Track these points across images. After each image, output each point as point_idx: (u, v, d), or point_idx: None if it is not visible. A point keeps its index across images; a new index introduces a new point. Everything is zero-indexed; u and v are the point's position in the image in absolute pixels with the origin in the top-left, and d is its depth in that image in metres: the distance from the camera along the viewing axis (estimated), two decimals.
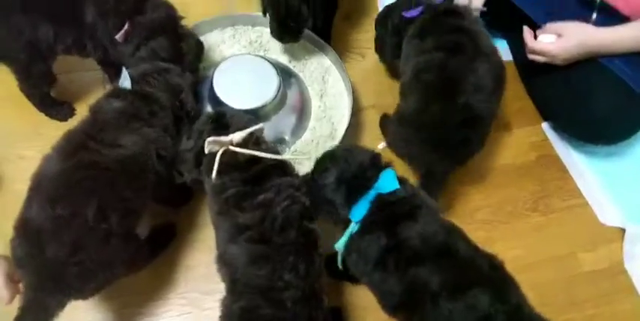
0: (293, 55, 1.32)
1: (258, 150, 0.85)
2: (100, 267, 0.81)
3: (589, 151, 1.26)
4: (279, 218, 0.80)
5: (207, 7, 1.42)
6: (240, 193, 0.83)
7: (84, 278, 0.80)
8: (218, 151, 0.85)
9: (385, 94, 1.33)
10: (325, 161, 0.88)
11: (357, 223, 0.83)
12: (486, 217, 1.19)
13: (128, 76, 0.94)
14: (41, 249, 0.77)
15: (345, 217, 0.84)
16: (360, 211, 0.84)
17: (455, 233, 0.83)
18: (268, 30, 1.34)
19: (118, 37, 1.03)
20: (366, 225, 0.83)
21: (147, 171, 0.89)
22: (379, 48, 1.25)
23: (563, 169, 1.27)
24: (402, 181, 0.86)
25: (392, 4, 1.19)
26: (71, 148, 0.84)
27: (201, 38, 1.30)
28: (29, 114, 1.22)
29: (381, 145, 1.23)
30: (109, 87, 1.26)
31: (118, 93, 0.94)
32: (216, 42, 1.33)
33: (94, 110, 0.91)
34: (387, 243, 0.80)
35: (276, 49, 1.33)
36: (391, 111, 1.27)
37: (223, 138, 0.85)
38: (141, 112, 0.91)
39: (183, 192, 1.11)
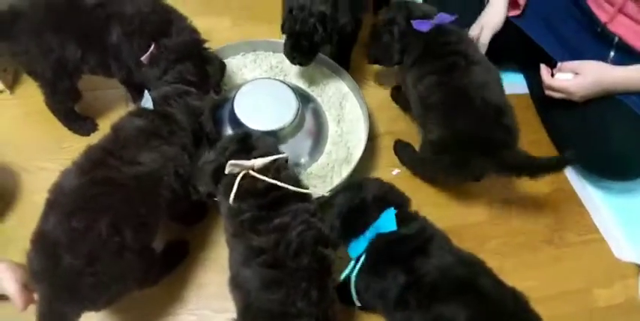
0: (312, 81, 1.35)
1: (278, 178, 0.86)
2: (114, 280, 0.82)
3: (605, 186, 1.25)
4: (294, 243, 0.80)
5: (230, 33, 1.47)
6: (256, 217, 0.84)
7: (98, 290, 0.81)
8: (238, 174, 0.86)
9: (400, 122, 1.35)
10: (341, 190, 0.94)
11: (355, 258, 0.86)
12: (498, 248, 1.18)
13: (150, 98, 0.97)
14: (57, 261, 0.78)
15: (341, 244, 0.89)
16: (357, 247, 0.87)
17: (476, 266, 0.83)
18: None
19: (144, 58, 1.06)
20: (374, 264, 0.84)
21: (163, 188, 0.90)
22: (382, 54, 1.20)
23: (578, 203, 1.26)
24: (410, 217, 0.87)
25: (396, 7, 1.17)
26: (89, 164, 0.86)
27: (225, 61, 1.34)
28: (53, 128, 1.26)
29: (394, 172, 1.25)
30: (131, 105, 1.30)
31: (139, 112, 0.96)
32: (238, 66, 1.37)
33: (116, 128, 0.94)
34: (406, 280, 0.80)
35: (296, 75, 1.37)
36: (406, 138, 1.31)
37: (245, 162, 0.86)
38: (161, 130, 0.93)
39: (197, 210, 1.12)
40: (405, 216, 0.87)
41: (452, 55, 1.07)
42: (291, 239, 0.80)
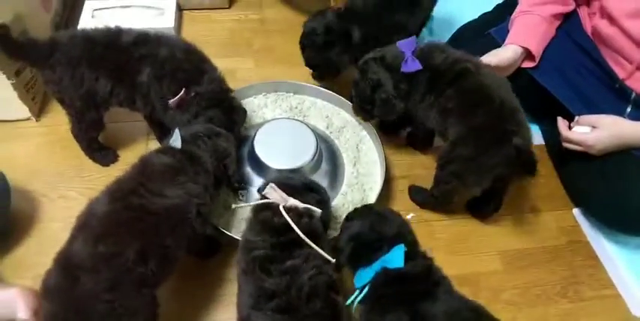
0: (330, 123, 1.38)
1: (298, 222, 0.87)
2: (127, 312, 0.81)
3: (621, 241, 1.24)
4: (306, 287, 0.80)
5: (252, 74, 1.52)
6: (269, 255, 0.84)
7: (106, 317, 0.79)
8: (267, 198, 0.89)
9: (416, 167, 1.36)
10: (356, 212, 0.96)
11: (360, 288, 0.85)
12: (512, 299, 1.16)
13: (179, 137, 0.98)
14: (75, 282, 0.78)
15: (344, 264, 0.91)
16: (363, 278, 0.86)
17: (479, 309, 0.83)
18: (309, 97, 1.43)
19: (172, 102, 1.09)
20: (377, 298, 0.84)
21: (186, 224, 0.91)
22: (388, 112, 1.18)
23: (594, 257, 1.24)
24: (418, 255, 0.88)
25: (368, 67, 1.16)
26: (121, 192, 0.87)
27: (246, 101, 1.40)
28: (74, 157, 1.29)
29: (409, 216, 1.25)
30: (152, 138, 1.33)
31: (167, 150, 0.97)
32: (260, 105, 1.41)
33: (144, 161, 0.95)
34: None
35: (314, 116, 1.40)
36: (421, 183, 1.32)
37: (282, 194, 0.89)
38: (187, 169, 0.94)
39: (211, 244, 1.13)
40: (414, 255, 0.87)
41: (457, 63, 1.09)
42: (303, 283, 0.80)
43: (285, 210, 0.88)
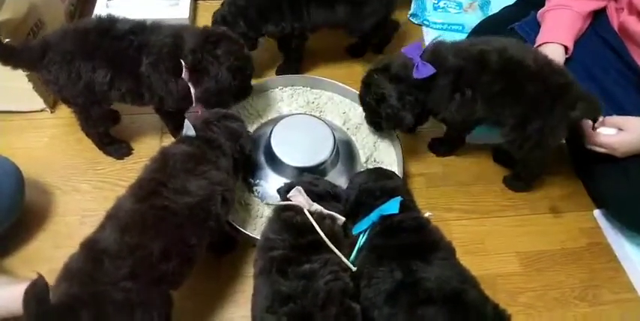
0: (347, 119, 1.36)
1: (321, 224, 0.87)
2: (142, 304, 0.80)
3: None
4: (322, 292, 0.78)
5: (268, 67, 1.50)
6: (287, 257, 0.83)
7: (121, 308, 0.78)
8: (291, 200, 0.89)
9: (435, 164, 1.35)
10: (368, 169, 1.08)
11: (362, 235, 0.90)
12: (530, 302, 1.14)
13: (190, 126, 0.98)
14: (97, 266, 0.78)
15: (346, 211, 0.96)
16: (361, 225, 0.91)
17: (470, 281, 0.84)
18: (325, 92, 1.41)
19: (184, 75, 1.07)
20: (373, 249, 0.88)
21: (210, 218, 0.90)
22: (396, 125, 1.18)
23: (614, 260, 1.22)
24: (413, 211, 0.93)
25: (373, 73, 1.14)
26: (144, 193, 0.87)
27: (261, 95, 1.38)
28: (89, 149, 1.28)
29: (427, 214, 1.23)
30: (165, 130, 1.32)
31: (184, 139, 0.98)
32: (276, 99, 1.39)
33: (164, 153, 0.95)
34: (403, 278, 0.81)
35: (331, 111, 1.38)
36: (438, 180, 1.32)
37: (305, 198, 0.89)
38: (208, 155, 0.95)
39: (229, 240, 1.12)
40: (409, 210, 0.92)
41: (475, 50, 1.08)
42: (319, 288, 0.79)
43: (309, 213, 0.87)
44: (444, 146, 1.36)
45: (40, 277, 0.75)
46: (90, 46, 1.05)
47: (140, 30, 1.08)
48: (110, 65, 1.06)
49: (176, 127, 1.24)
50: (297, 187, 0.90)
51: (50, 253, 1.09)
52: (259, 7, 1.28)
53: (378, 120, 1.17)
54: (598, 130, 1.11)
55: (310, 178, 0.99)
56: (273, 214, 0.93)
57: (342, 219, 0.91)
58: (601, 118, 1.11)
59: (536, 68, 1.06)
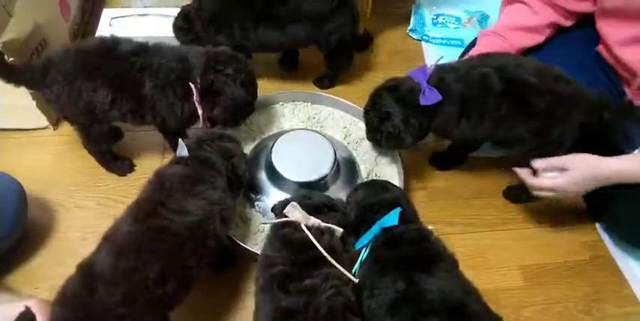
0: (348, 134, 1.37)
1: (319, 239, 0.86)
2: None
3: None
4: (324, 307, 0.78)
5: (269, 85, 1.51)
6: (287, 273, 0.83)
7: None
8: (287, 217, 0.88)
9: (436, 178, 1.35)
10: (362, 184, 1.06)
11: (364, 250, 0.90)
12: (534, 316, 1.13)
13: (184, 146, 0.98)
14: (91, 291, 0.78)
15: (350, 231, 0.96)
16: (363, 240, 0.91)
17: (472, 294, 0.84)
18: (326, 108, 1.42)
19: (196, 99, 1.09)
20: (375, 261, 0.88)
21: (209, 237, 0.90)
22: (397, 144, 1.15)
23: (618, 273, 1.21)
24: (413, 222, 0.94)
25: (382, 91, 1.13)
26: (142, 213, 0.87)
27: (265, 110, 1.39)
28: (91, 166, 1.28)
29: (429, 227, 1.23)
30: (167, 148, 1.32)
31: (178, 160, 0.98)
32: (277, 115, 1.40)
33: (159, 175, 0.94)
34: (406, 289, 0.81)
35: (332, 127, 1.38)
36: (440, 194, 1.32)
37: (302, 213, 0.88)
38: (203, 174, 0.94)
39: (227, 256, 1.12)
40: (409, 221, 0.93)
41: (476, 73, 1.08)
42: (321, 303, 0.78)
43: (306, 228, 0.87)
44: (446, 161, 1.36)
45: (27, 310, 0.76)
46: (91, 67, 1.06)
47: (142, 51, 1.09)
48: (111, 86, 1.06)
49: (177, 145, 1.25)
50: (292, 202, 0.90)
51: (52, 269, 1.10)
52: (214, 17, 1.30)
53: (379, 138, 1.17)
54: (542, 175, 1.07)
55: (304, 192, 0.99)
56: (271, 231, 0.92)
57: (339, 230, 0.90)
58: (541, 162, 1.07)
59: (539, 81, 1.06)
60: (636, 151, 1.05)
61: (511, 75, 1.07)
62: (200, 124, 1.15)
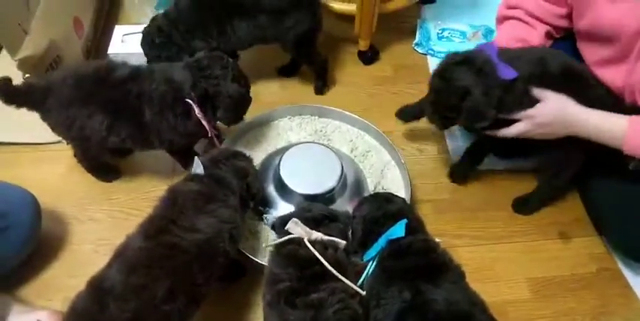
0: (355, 147, 1.39)
1: (324, 254, 0.87)
2: None
3: None
4: None
5: (277, 97, 1.54)
6: (294, 288, 0.84)
7: None
8: (291, 234, 0.89)
9: (442, 191, 1.36)
10: (366, 199, 1.04)
11: (371, 262, 0.90)
12: None
13: (200, 164, 1.00)
14: (102, 308, 0.79)
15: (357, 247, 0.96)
16: (370, 253, 0.92)
17: (478, 305, 0.84)
18: (333, 121, 1.44)
19: (198, 113, 1.10)
20: (382, 271, 0.88)
21: (218, 255, 0.91)
22: (474, 117, 1.07)
23: (625, 285, 1.21)
24: (420, 233, 0.93)
25: (453, 66, 1.07)
26: (154, 230, 0.88)
27: (270, 124, 1.42)
28: None
29: (436, 240, 1.24)
30: (178, 168, 1.33)
31: (193, 178, 0.99)
32: (284, 129, 1.42)
33: (173, 192, 0.96)
34: (412, 299, 0.81)
35: (339, 140, 1.40)
36: (447, 206, 1.33)
37: (305, 228, 0.89)
38: (216, 193, 0.96)
39: (236, 269, 1.13)
40: (416, 232, 0.93)
41: (538, 61, 1.07)
42: (328, 317, 0.79)
43: (310, 243, 0.88)
44: (467, 167, 1.35)
45: None
46: (86, 93, 1.07)
47: (136, 76, 1.10)
48: (107, 112, 1.08)
49: (187, 163, 1.26)
50: (293, 219, 0.90)
51: (65, 282, 1.11)
52: (187, 23, 1.32)
53: (453, 115, 1.09)
54: None
55: (303, 204, 1.01)
56: (275, 249, 0.93)
57: (342, 243, 0.91)
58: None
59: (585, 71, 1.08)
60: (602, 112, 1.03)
61: (563, 61, 1.07)
62: (209, 134, 1.17)
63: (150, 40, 1.34)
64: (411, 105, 1.36)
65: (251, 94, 1.24)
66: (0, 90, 1.05)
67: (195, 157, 1.02)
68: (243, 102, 1.19)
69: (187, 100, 1.09)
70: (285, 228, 0.90)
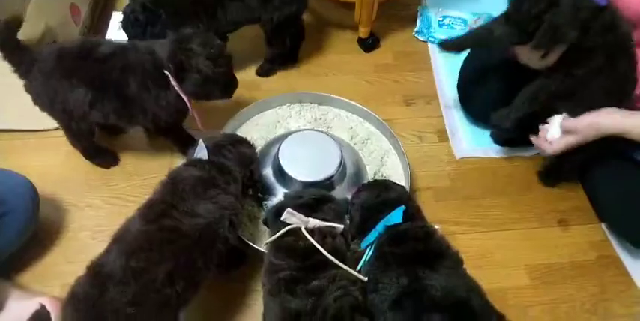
0: (355, 134, 1.38)
1: (325, 242, 0.87)
2: None
3: None
4: (332, 309, 0.79)
5: (276, 84, 1.53)
6: (294, 276, 0.83)
7: None
8: (288, 225, 0.88)
9: (442, 178, 1.36)
10: (365, 186, 1.05)
11: (369, 248, 0.91)
12: (540, 315, 1.13)
13: (204, 147, 0.99)
14: (102, 292, 0.79)
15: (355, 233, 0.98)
16: (368, 239, 0.92)
17: (475, 291, 0.84)
18: (333, 109, 1.43)
19: (175, 84, 1.09)
20: (380, 256, 0.88)
21: (218, 241, 0.91)
22: (552, 34, 0.97)
23: (624, 273, 1.21)
24: (418, 219, 0.94)
25: None
26: (153, 215, 0.88)
27: (270, 111, 1.41)
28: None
29: (435, 226, 1.24)
30: (176, 152, 1.33)
31: (195, 163, 0.98)
32: (283, 116, 1.41)
33: (173, 177, 0.96)
34: (409, 285, 0.81)
35: (338, 127, 1.40)
36: (446, 194, 1.33)
37: (302, 216, 0.88)
38: (217, 180, 0.95)
39: (236, 256, 1.13)
40: (414, 218, 0.93)
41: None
42: (329, 304, 0.79)
43: (308, 232, 0.87)
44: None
45: (43, 307, 0.77)
46: (69, 67, 1.07)
47: (120, 52, 1.09)
48: (91, 87, 1.07)
49: (182, 145, 1.27)
50: (287, 210, 0.88)
51: (63, 268, 1.12)
52: (175, 6, 1.28)
53: (530, 29, 0.98)
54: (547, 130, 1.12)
55: (292, 193, 0.99)
56: (273, 242, 0.91)
57: (340, 227, 0.90)
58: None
59: None
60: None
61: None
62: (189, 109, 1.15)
63: (133, 18, 1.29)
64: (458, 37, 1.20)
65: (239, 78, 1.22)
66: (6, 27, 1.02)
67: (200, 140, 1.01)
68: (213, 80, 1.13)
69: (165, 71, 1.09)
70: (281, 219, 0.88)
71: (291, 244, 0.88)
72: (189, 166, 0.98)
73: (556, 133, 1.10)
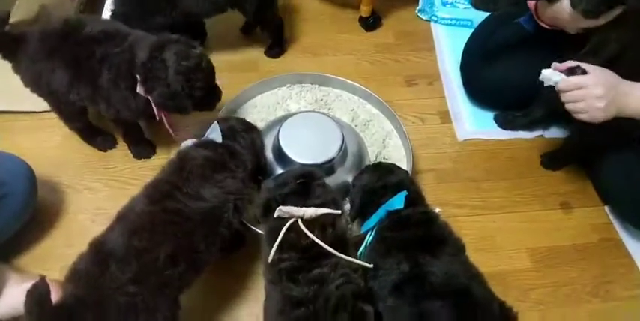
0: (356, 116, 1.36)
1: (325, 235, 0.84)
2: (147, 308, 0.80)
3: None
4: (333, 297, 0.78)
5: (276, 65, 1.51)
6: (295, 266, 0.82)
7: (125, 312, 0.79)
8: (285, 222, 0.84)
9: (445, 160, 1.34)
10: (367, 168, 1.03)
11: (370, 233, 0.90)
12: (542, 298, 1.13)
13: (218, 129, 0.97)
14: (102, 270, 0.79)
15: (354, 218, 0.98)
16: (369, 224, 0.92)
17: (476, 277, 0.84)
18: (334, 90, 1.41)
19: (139, 90, 1.04)
20: (381, 241, 0.88)
21: (221, 225, 0.90)
22: None
23: (626, 255, 1.21)
24: (420, 204, 0.93)
25: None
26: (158, 195, 0.87)
27: (269, 92, 1.39)
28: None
29: (437, 209, 1.23)
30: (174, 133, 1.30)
31: (207, 144, 0.97)
32: (284, 97, 1.39)
33: (182, 156, 0.94)
34: (410, 271, 0.81)
35: (339, 109, 1.38)
36: (449, 176, 1.32)
37: (295, 211, 0.84)
38: (227, 163, 0.94)
39: (236, 239, 1.12)
40: (416, 203, 0.92)
41: None
42: (331, 292, 0.78)
43: (305, 225, 0.84)
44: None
45: (42, 280, 0.76)
46: (51, 48, 1.04)
47: (106, 37, 1.05)
48: (69, 69, 1.05)
49: (126, 134, 1.25)
50: (279, 207, 0.84)
51: (62, 251, 1.11)
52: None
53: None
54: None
55: (271, 184, 0.92)
56: (272, 236, 0.86)
57: (338, 212, 0.87)
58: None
59: None
60: None
61: None
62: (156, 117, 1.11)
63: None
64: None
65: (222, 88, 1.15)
66: None
67: (214, 122, 1.00)
68: (178, 96, 1.03)
69: (137, 75, 1.04)
70: (275, 216, 0.85)
71: (292, 241, 0.84)
72: (201, 147, 0.96)
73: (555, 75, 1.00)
